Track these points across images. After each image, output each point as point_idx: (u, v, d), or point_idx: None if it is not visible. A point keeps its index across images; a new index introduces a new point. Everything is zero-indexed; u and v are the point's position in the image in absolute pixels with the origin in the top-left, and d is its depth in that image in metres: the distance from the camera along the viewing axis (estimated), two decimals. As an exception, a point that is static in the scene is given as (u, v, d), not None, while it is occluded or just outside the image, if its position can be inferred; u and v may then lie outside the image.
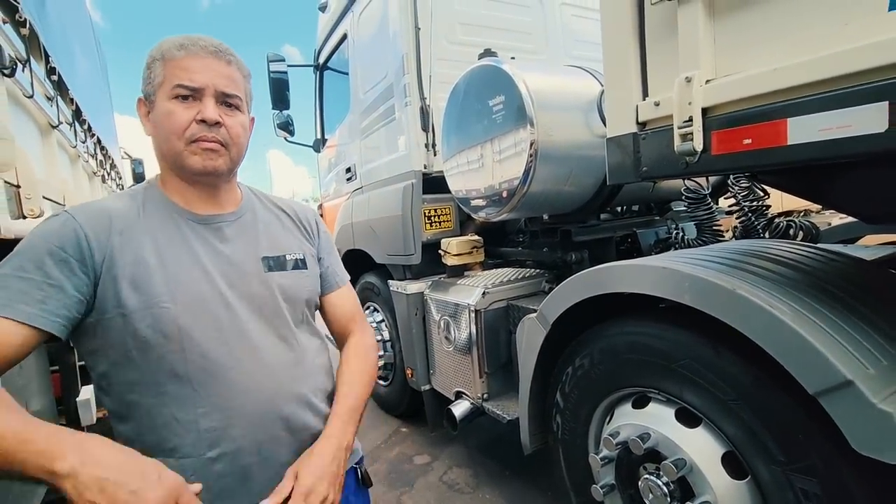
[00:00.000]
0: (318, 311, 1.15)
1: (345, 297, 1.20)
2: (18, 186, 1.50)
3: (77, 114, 2.90)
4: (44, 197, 1.73)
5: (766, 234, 2.17)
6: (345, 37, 3.64)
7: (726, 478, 1.23)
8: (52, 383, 2.09)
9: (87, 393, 1.96)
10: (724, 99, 1.03)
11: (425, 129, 2.85)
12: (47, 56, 2.12)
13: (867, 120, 0.81)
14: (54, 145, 2.29)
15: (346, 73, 3.67)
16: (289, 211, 1.13)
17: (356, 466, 1.14)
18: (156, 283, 0.86)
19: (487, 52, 2.40)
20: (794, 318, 1.03)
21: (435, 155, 2.86)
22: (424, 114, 2.83)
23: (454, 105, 2.47)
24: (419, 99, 2.82)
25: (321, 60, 4.26)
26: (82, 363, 2.06)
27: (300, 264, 1.06)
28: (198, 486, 0.77)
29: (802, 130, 0.91)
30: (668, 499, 1.32)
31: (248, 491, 0.90)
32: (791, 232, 2.11)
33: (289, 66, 3.86)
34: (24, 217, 1.52)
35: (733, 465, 1.23)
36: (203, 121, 0.89)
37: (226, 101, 0.92)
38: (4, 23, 1.53)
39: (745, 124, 1.00)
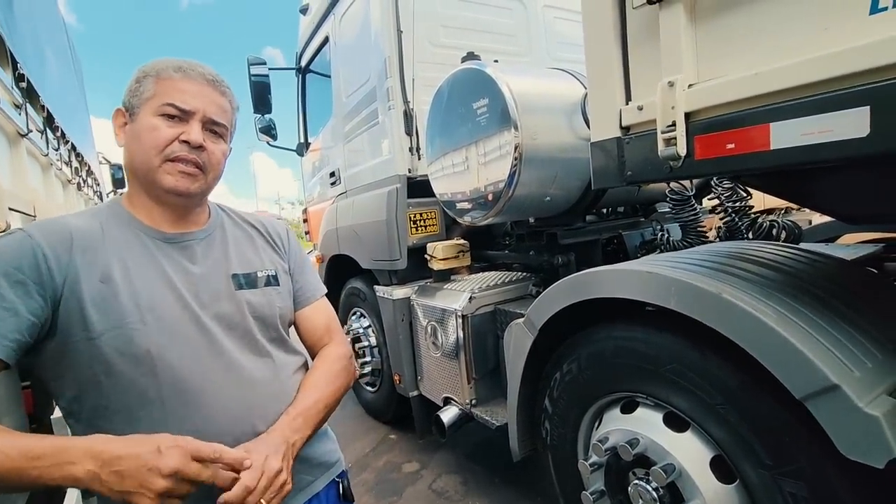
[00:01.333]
0: (291, 326, 1.12)
1: (319, 310, 1.15)
2: (-17, 198, 1.44)
3: (49, 121, 2.82)
4: (11, 209, 1.67)
5: (750, 235, 2.19)
6: (326, 40, 3.60)
7: (715, 482, 1.22)
8: (24, 399, 2.02)
9: (63, 416, 1.89)
10: (707, 103, 1.02)
11: (409, 132, 2.83)
12: (15, 62, 2.04)
13: (849, 124, 0.81)
14: (23, 154, 2.21)
15: (329, 76, 3.63)
16: (258, 226, 1.11)
17: (338, 480, 1.11)
18: (123, 303, 0.83)
19: (470, 56, 2.39)
20: (778, 321, 1.03)
21: (419, 159, 2.84)
22: (408, 117, 2.81)
23: (438, 108, 2.45)
24: (402, 102, 2.79)
25: (303, 63, 4.21)
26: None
27: (272, 280, 1.04)
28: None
29: (785, 135, 0.91)
30: (658, 504, 1.32)
31: None
32: (774, 232, 2.13)
33: (270, 69, 3.81)
34: (-10, 230, 1.45)
35: (722, 469, 1.23)
36: (186, 142, 0.88)
37: (212, 128, 0.93)
38: (-34, 29, 1.47)
39: (729, 129, 1.00)
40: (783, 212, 3.29)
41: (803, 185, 1.44)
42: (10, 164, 2.08)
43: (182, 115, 0.89)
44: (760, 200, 2.97)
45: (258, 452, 0.82)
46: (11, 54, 1.96)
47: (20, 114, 2.11)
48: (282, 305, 1.04)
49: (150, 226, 0.93)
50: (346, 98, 3.39)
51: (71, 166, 3.67)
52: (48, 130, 2.79)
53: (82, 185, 4.21)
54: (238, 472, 0.78)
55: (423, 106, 2.67)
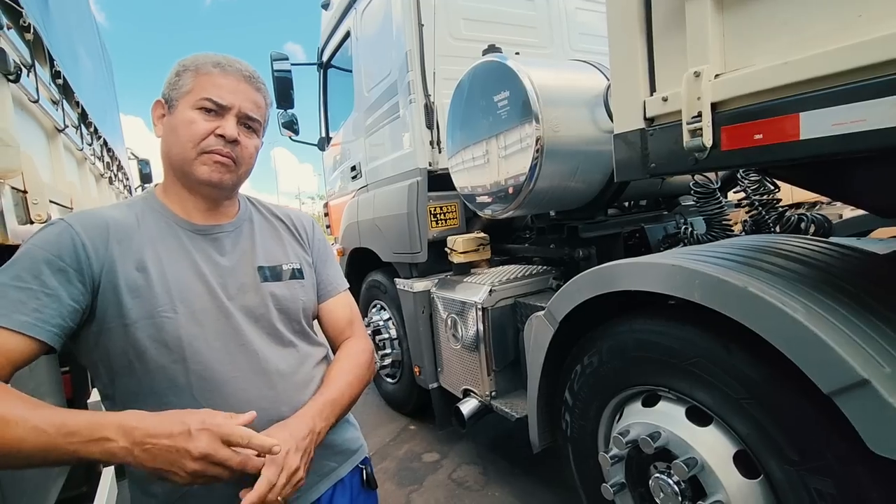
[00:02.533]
0: (315, 319, 1.14)
1: (341, 304, 1.17)
2: (25, 192, 1.51)
3: (83, 116, 2.92)
4: (51, 201, 1.74)
5: (777, 229, 2.15)
6: (348, 34, 3.63)
7: (738, 477, 1.21)
8: (64, 385, 2.11)
9: (98, 394, 1.97)
10: (734, 94, 1.01)
11: (430, 126, 2.84)
12: (52, 60, 2.12)
13: (882, 114, 0.79)
14: (61, 149, 2.30)
15: (350, 71, 3.66)
16: (285, 219, 1.13)
17: (361, 466, 1.13)
18: (157, 292, 0.86)
19: (491, 48, 2.38)
20: (807, 315, 1.01)
21: (440, 152, 2.85)
22: (429, 111, 2.82)
23: (458, 101, 2.46)
24: (423, 96, 2.80)
25: (325, 58, 4.25)
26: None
27: (297, 274, 1.06)
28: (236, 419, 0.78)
29: (815, 125, 0.89)
30: (679, 498, 1.31)
31: None
32: (802, 226, 2.08)
33: (292, 64, 3.85)
34: (32, 222, 1.52)
35: (745, 464, 1.22)
36: (221, 136, 0.91)
37: (247, 123, 0.96)
38: (9, 28, 1.53)
39: (756, 119, 0.98)
40: (812, 206, 3.20)
41: (834, 177, 1.40)
42: (50, 158, 2.16)
43: (218, 110, 0.92)
44: (788, 194, 2.90)
45: (283, 442, 0.82)
46: (48, 52, 2.03)
47: (57, 109, 2.19)
48: (305, 298, 1.06)
49: (182, 217, 0.96)
50: (368, 92, 3.41)
51: (103, 161, 3.79)
52: (83, 126, 2.88)
53: (113, 179, 4.35)
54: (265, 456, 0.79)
55: (444, 99, 2.67)
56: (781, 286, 1.12)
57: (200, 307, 0.89)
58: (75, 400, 2.15)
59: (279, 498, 0.79)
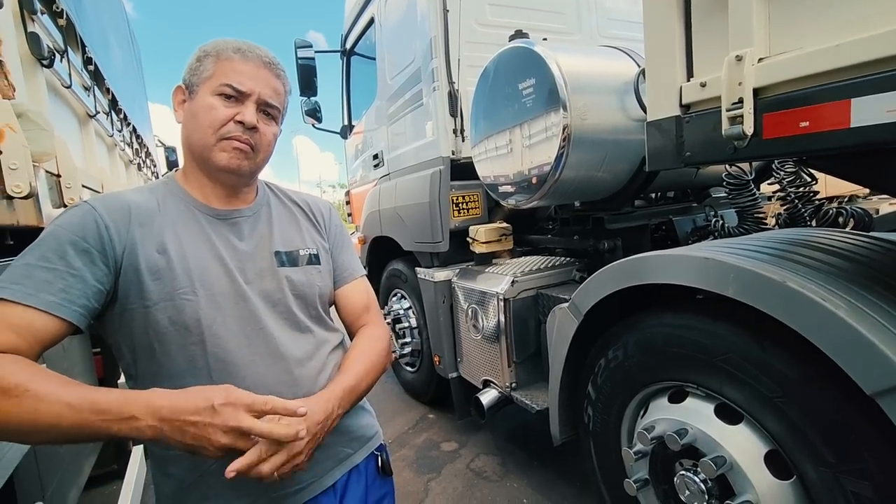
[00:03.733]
0: (332, 306, 1.14)
1: (357, 290, 1.16)
2: (59, 176, 1.54)
3: (113, 103, 2.97)
4: (83, 185, 1.78)
5: (814, 223, 2.06)
6: (372, 21, 3.60)
7: (769, 477, 1.18)
8: (95, 365, 2.18)
9: (124, 378, 2.03)
10: (779, 78, 0.96)
11: (453, 114, 2.81)
12: (84, 46, 2.16)
13: (945, 99, 0.74)
14: (92, 134, 2.35)
15: (373, 59, 3.64)
16: (302, 204, 1.13)
17: (377, 453, 1.12)
18: (177, 274, 0.86)
19: (518, 34, 2.33)
20: (850, 312, 0.96)
21: (463, 140, 2.82)
22: (453, 98, 2.78)
23: (483, 89, 2.42)
24: (447, 83, 2.77)
25: (348, 46, 4.24)
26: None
27: (313, 259, 1.05)
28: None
29: (867, 111, 0.84)
30: (706, 496, 1.28)
31: (264, 484, 0.89)
32: (841, 220, 1.99)
33: (316, 52, 3.85)
34: (65, 206, 1.56)
35: (777, 464, 1.18)
36: (241, 122, 0.91)
37: (266, 110, 0.95)
38: (42, 13, 1.55)
39: (802, 105, 0.93)
40: (847, 200, 3.07)
41: (883, 167, 1.33)
42: (82, 143, 2.21)
43: (238, 96, 0.91)
44: (822, 187, 2.78)
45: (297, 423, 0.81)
46: (81, 38, 2.07)
47: (89, 95, 2.24)
48: (321, 284, 1.06)
49: (202, 202, 0.97)
50: (391, 80, 3.39)
51: (132, 147, 3.87)
52: (112, 112, 2.94)
53: (142, 165, 4.44)
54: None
55: (469, 87, 2.64)
56: (821, 281, 1.07)
57: (219, 290, 0.90)
58: (106, 380, 2.22)
59: (275, 474, 0.78)
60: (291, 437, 0.77)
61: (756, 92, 0.99)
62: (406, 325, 3.39)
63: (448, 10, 2.72)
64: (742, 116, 1.00)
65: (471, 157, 2.62)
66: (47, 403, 0.68)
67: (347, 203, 4.90)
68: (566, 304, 1.76)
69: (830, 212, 2.03)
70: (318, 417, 0.86)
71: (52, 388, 0.70)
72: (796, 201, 2.08)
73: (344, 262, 1.15)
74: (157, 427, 0.71)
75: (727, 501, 1.23)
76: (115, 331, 0.87)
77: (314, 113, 4.16)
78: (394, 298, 3.63)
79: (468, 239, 2.75)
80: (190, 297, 0.86)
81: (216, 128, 0.90)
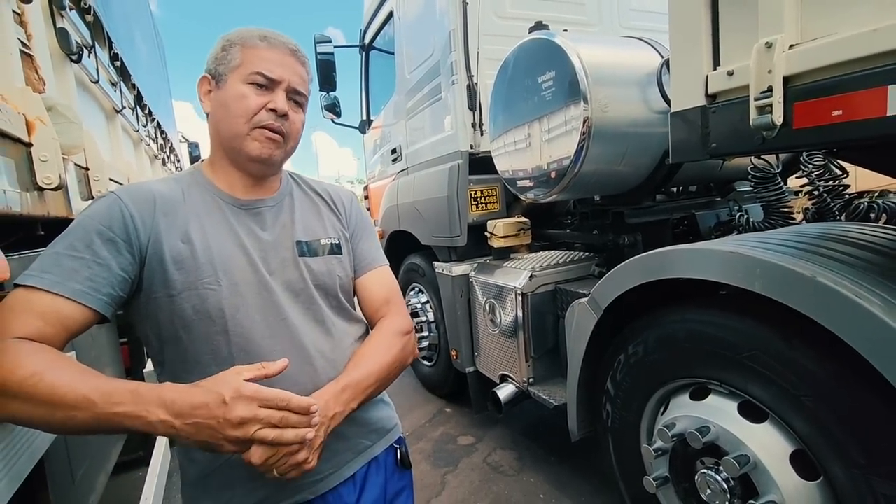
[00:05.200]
0: (354, 297, 1.13)
1: (378, 279, 1.12)
2: (87, 169, 1.58)
3: (139, 99, 3.03)
4: (110, 179, 1.82)
5: (843, 217, 1.99)
6: (391, 15, 3.60)
7: (795, 477, 1.15)
8: (122, 355, 2.24)
9: (152, 364, 2.08)
10: (811, 66, 0.92)
11: (472, 107, 2.79)
12: (111, 42, 2.20)
13: None
14: (118, 129, 2.40)
15: (392, 53, 3.64)
16: (324, 194, 1.12)
17: (396, 446, 1.12)
18: (201, 264, 0.87)
19: (539, 25, 2.30)
20: (885, 310, 0.93)
21: (482, 134, 2.80)
22: (471, 92, 2.76)
23: (503, 82, 2.40)
24: (466, 77, 2.75)
25: (367, 41, 4.24)
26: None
27: (335, 249, 1.04)
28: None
29: (906, 99, 0.81)
30: (728, 495, 1.26)
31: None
32: (872, 215, 1.92)
33: (335, 47, 3.86)
34: (93, 198, 1.60)
35: (803, 464, 1.15)
36: (273, 110, 0.91)
37: (295, 97, 0.95)
38: (71, 9, 1.59)
39: (835, 94, 0.90)
40: (877, 195, 2.97)
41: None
42: (109, 137, 2.26)
43: (269, 84, 0.91)
44: (853, 181, 2.69)
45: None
46: (108, 35, 2.11)
47: (115, 91, 2.29)
48: (342, 274, 1.05)
49: (226, 192, 0.97)
50: (409, 74, 3.39)
51: (157, 142, 3.95)
52: (138, 108, 3.00)
53: (166, 160, 4.53)
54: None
55: (488, 80, 2.61)
56: (854, 277, 1.04)
57: (243, 280, 0.90)
58: (133, 369, 2.27)
59: (274, 472, 0.79)
60: (299, 440, 0.77)
61: (786, 80, 0.96)
62: (424, 319, 3.39)
63: (467, 3, 2.70)
64: (771, 106, 0.97)
65: (489, 151, 2.60)
66: (61, 394, 0.69)
67: (366, 198, 4.93)
68: (585, 299, 1.74)
69: (861, 206, 1.96)
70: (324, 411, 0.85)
71: (68, 379, 0.70)
72: (825, 195, 2.02)
73: (363, 250, 1.11)
74: (170, 422, 0.71)
75: (750, 501, 1.20)
76: (142, 319, 0.89)
77: (333, 108, 4.17)
78: (411, 293, 3.64)
79: (486, 233, 2.73)
80: (213, 286, 0.87)
81: (249, 116, 0.90)
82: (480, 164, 2.80)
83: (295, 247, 0.99)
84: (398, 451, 1.12)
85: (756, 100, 0.99)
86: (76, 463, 1.46)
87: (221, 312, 0.87)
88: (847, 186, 2.04)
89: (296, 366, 0.91)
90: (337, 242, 1.06)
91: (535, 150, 2.22)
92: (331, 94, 4.09)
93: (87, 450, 1.59)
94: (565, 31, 2.23)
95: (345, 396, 0.90)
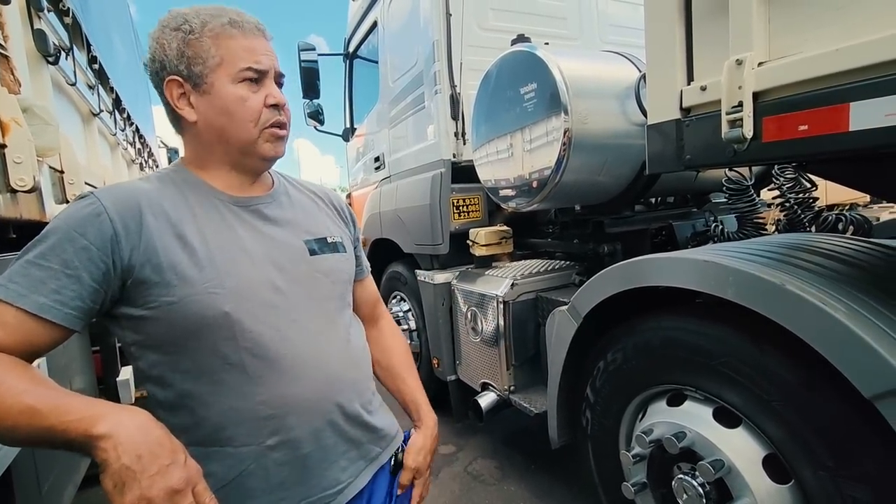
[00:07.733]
0: None
1: (370, 283, 1.22)
2: (62, 172, 1.55)
3: (117, 102, 2.99)
4: (86, 183, 1.78)
5: (813, 228, 2.07)
6: (375, 25, 3.62)
7: (767, 481, 1.18)
8: (94, 363, 2.18)
9: (126, 373, 2.03)
10: (779, 82, 0.97)
11: (455, 117, 2.82)
12: (89, 45, 2.17)
13: (943, 104, 0.75)
14: (95, 132, 2.36)
15: (376, 62, 3.66)
16: (320, 193, 1.10)
17: (395, 452, 1.09)
18: (203, 267, 0.80)
19: (521, 38, 2.34)
20: (849, 316, 0.97)
21: (464, 144, 2.83)
22: (454, 102, 2.79)
23: (485, 92, 2.43)
24: (449, 87, 2.78)
25: (351, 49, 4.26)
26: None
27: (340, 248, 1.02)
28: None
29: (866, 115, 0.85)
30: (704, 500, 1.28)
31: (306, 481, 0.87)
32: (840, 226, 2.00)
33: (319, 54, 3.87)
34: (68, 202, 1.56)
35: (775, 468, 1.18)
36: (274, 105, 0.86)
37: (280, 80, 0.90)
38: (49, 10, 1.56)
39: (802, 109, 0.94)
40: (848, 208, 3.08)
41: (882, 173, 1.34)
42: (85, 140, 2.22)
43: (258, 77, 0.85)
44: (822, 195, 2.79)
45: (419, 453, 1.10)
46: (86, 37, 2.08)
47: (93, 94, 2.25)
48: (349, 272, 1.04)
49: (221, 190, 0.90)
50: (393, 83, 3.41)
51: (135, 147, 3.88)
52: (116, 112, 2.96)
53: (144, 165, 4.45)
54: None
55: (471, 90, 2.65)
56: (821, 285, 1.08)
57: (247, 280, 0.84)
58: (105, 379, 2.21)
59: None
60: None
61: (756, 95, 1.00)
62: (405, 327, 3.38)
63: (451, 14, 2.74)
64: (742, 120, 1.01)
65: (472, 160, 2.63)
66: (7, 403, 0.64)
67: (349, 205, 4.91)
68: (565, 307, 1.76)
69: (830, 218, 2.04)
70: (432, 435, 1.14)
71: (16, 388, 0.65)
72: (796, 207, 2.09)
73: (360, 257, 1.15)
74: (111, 435, 0.62)
75: (725, 505, 1.23)
76: (138, 331, 0.80)
77: (317, 115, 4.17)
78: (393, 301, 3.62)
79: (468, 242, 2.75)
80: (217, 290, 0.80)
81: (256, 119, 0.85)
82: (463, 172, 2.82)
83: (304, 245, 0.95)
84: (394, 458, 1.09)
85: (727, 114, 1.02)
86: (43, 475, 1.41)
87: (227, 316, 0.79)
88: (816, 199, 2.12)
89: (312, 366, 0.87)
90: (341, 241, 1.03)
91: (517, 159, 2.25)
92: (314, 101, 4.08)
93: (54, 461, 1.54)
94: (547, 44, 2.28)
95: (425, 413, 1.17)
